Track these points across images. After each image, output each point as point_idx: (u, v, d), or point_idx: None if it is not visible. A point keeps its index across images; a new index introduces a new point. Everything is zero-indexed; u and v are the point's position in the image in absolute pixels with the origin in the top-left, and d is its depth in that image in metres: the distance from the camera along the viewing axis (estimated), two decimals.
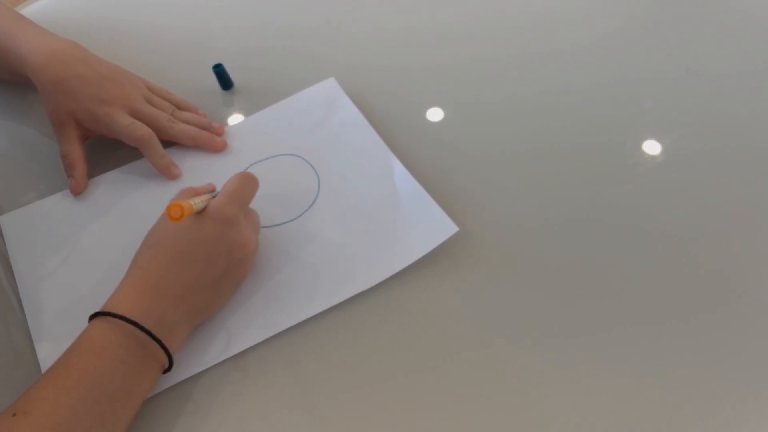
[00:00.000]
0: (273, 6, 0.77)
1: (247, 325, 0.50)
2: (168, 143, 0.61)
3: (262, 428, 0.45)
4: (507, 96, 0.64)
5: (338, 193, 0.57)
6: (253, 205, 0.53)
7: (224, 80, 0.67)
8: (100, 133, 0.61)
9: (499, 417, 0.44)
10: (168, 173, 0.60)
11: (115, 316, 0.43)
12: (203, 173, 0.60)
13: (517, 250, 0.52)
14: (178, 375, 0.47)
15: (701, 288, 0.49)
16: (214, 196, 0.50)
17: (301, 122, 0.63)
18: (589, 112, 0.62)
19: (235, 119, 0.65)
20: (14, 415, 0.39)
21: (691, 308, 0.48)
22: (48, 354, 0.49)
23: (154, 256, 0.47)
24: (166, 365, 0.45)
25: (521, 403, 0.45)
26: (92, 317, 0.45)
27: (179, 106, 0.64)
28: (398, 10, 0.74)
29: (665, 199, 0.54)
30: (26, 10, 0.80)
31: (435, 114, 0.63)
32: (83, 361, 0.42)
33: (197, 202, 0.47)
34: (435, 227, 0.53)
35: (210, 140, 0.61)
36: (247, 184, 0.52)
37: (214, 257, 0.47)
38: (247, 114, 0.65)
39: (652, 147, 0.58)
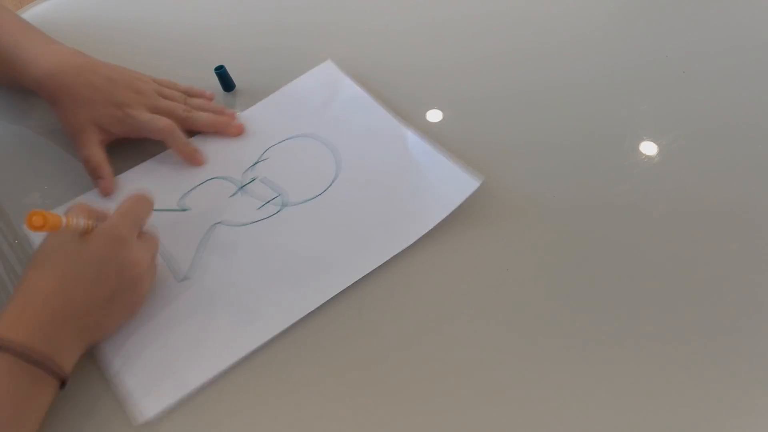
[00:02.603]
0: (273, 7, 0.77)
1: (280, 304, 0.51)
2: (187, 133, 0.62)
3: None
4: (505, 99, 0.64)
5: (356, 167, 0.59)
6: (276, 184, 0.55)
7: (226, 82, 0.68)
8: (125, 134, 0.61)
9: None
10: (194, 160, 0.61)
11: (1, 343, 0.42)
12: (222, 160, 0.61)
13: (514, 249, 0.53)
14: (225, 360, 0.48)
15: (699, 288, 0.50)
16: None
17: (306, 105, 0.65)
18: (586, 113, 0.62)
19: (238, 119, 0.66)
20: None
21: (688, 308, 0.49)
22: None
23: (40, 277, 0.46)
24: (58, 385, 0.45)
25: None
26: None
27: (189, 93, 0.65)
28: (399, 10, 0.75)
29: (662, 200, 0.55)
30: (29, 12, 0.80)
31: (434, 115, 0.63)
32: None
33: (73, 220, 0.46)
34: (457, 184, 0.55)
35: (227, 125, 0.62)
36: (140, 204, 0.52)
37: (102, 277, 0.46)
38: None
39: (648, 148, 0.59)
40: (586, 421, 0.44)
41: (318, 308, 0.50)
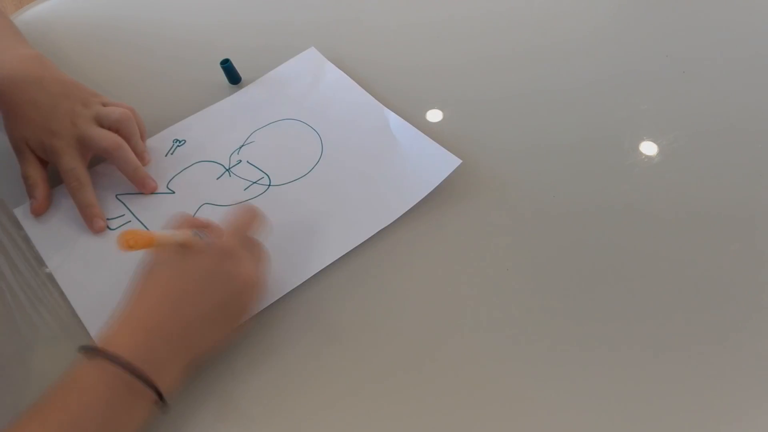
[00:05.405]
0: (276, 5, 0.77)
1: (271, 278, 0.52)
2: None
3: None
4: (505, 99, 0.65)
5: (340, 148, 0.61)
6: (262, 166, 0.57)
7: (232, 75, 0.68)
8: (49, 161, 0.59)
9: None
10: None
11: (102, 355, 0.42)
12: (209, 144, 0.63)
13: (515, 249, 0.54)
14: None
15: (699, 288, 0.50)
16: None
17: (291, 90, 0.67)
18: (586, 113, 0.63)
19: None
20: None
21: (687, 308, 0.49)
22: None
23: (146, 290, 0.46)
24: (155, 400, 0.43)
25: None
26: (81, 350, 0.43)
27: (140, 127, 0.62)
28: (401, 9, 0.75)
29: (662, 200, 0.56)
30: (29, 12, 0.79)
31: (434, 115, 0.64)
32: (70, 402, 0.41)
33: (167, 235, 0.46)
34: (438, 163, 0.57)
35: (142, 180, 0.60)
36: (249, 216, 0.52)
37: (209, 289, 0.46)
38: None
39: (648, 148, 0.59)
40: (586, 422, 0.45)
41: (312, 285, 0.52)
